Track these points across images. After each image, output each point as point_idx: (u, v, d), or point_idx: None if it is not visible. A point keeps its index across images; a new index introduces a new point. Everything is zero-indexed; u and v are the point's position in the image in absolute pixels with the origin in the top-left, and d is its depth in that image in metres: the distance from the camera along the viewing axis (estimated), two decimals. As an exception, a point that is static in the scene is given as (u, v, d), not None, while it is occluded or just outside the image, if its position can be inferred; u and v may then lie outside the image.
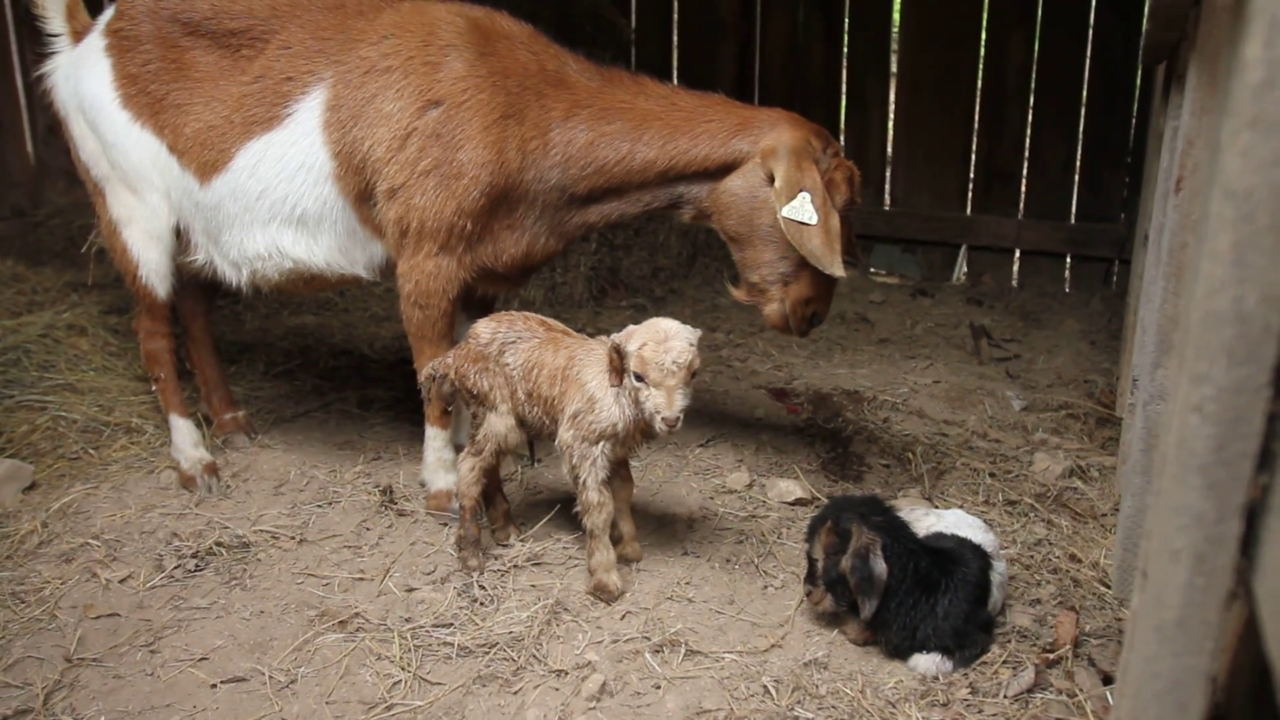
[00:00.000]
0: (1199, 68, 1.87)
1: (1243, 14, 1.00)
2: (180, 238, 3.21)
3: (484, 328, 2.68)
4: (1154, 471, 1.89)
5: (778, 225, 2.85)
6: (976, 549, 2.41)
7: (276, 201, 2.97)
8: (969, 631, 2.33)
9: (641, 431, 2.51)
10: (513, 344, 2.62)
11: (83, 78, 3.13)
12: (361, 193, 2.93)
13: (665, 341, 2.32)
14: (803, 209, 2.78)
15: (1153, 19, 2.26)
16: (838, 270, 2.81)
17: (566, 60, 2.96)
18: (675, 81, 6.77)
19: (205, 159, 3.02)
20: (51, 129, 5.61)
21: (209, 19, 3.06)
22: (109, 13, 3.16)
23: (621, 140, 2.88)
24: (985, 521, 2.69)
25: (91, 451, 3.41)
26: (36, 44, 5.33)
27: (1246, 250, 0.96)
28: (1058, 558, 2.82)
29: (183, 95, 3.05)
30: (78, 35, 3.23)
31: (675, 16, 6.55)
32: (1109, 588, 2.65)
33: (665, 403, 2.31)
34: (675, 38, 6.57)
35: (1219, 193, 0.99)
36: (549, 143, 2.87)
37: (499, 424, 2.64)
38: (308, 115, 2.92)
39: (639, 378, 2.34)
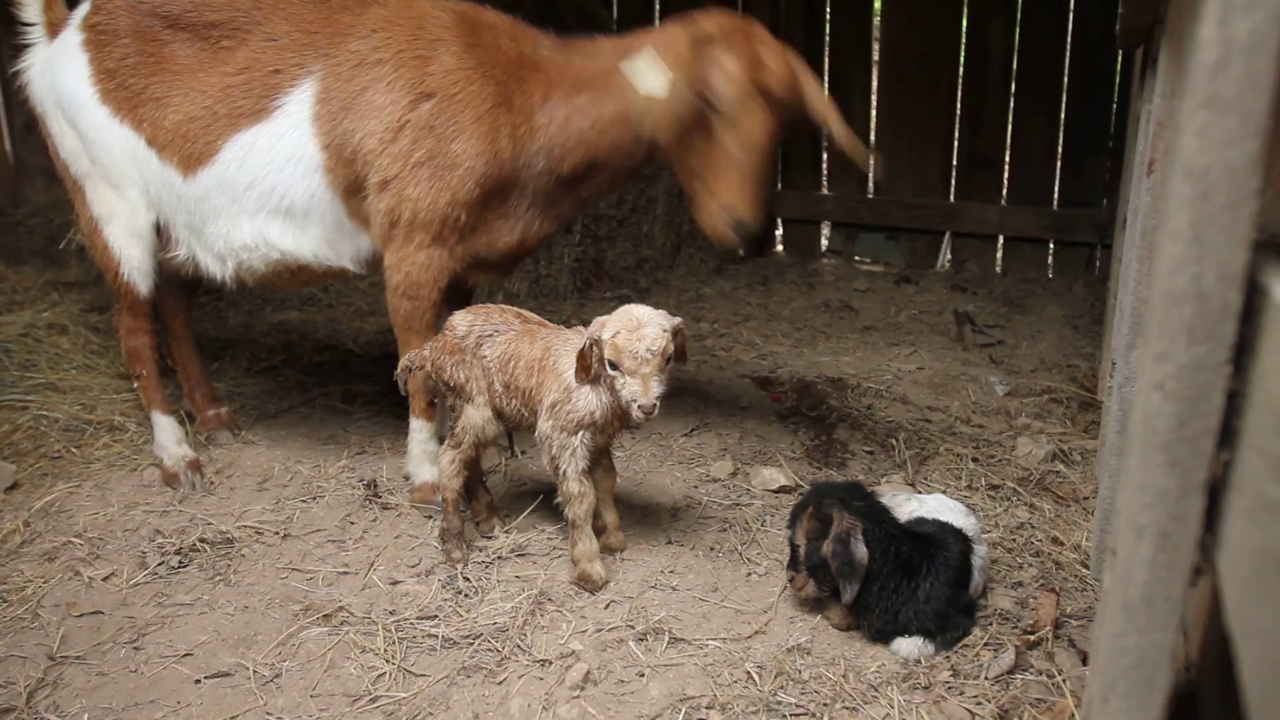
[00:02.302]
0: (1169, 51, 1.88)
1: (1199, -5, 1.01)
2: (160, 234, 3.20)
3: (460, 320, 2.68)
4: (1123, 450, 1.91)
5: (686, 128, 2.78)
6: (958, 533, 2.43)
7: (265, 193, 2.97)
8: (950, 615, 2.35)
9: (619, 419, 2.51)
10: (490, 336, 2.62)
11: (60, 74, 3.11)
12: (351, 185, 2.92)
13: (639, 329, 2.32)
14: (644, 69, 2.68)
15: (1125, 3, 2.27)
16: (664, 134, 2.75)
17: (540, 42, 2.95)
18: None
19: (188, 151, 3.01)
20: (29, 127, 5.57)
21: (189, 12, 3.05)
22: (85, 7, 3.14)
23: (591, 106, 2.85)
24: (968, 506, 2.71)
25: (74, 450, 3.39)
26: (12, 38, 5.31)
27: (1204, 228, 0.97)
28: (1039, 541, 2.84)
29: (162, 88, 3.04)
30: (53, 28, 3.20)
31: (657, 6, 6.54)
32: (1090, 569, 2.67)
33: (641, 390, 2.31)
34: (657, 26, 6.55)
35: (1178, 172, 1.00)
36: (535, 126, 2.87)
37: (476, 416, 2.65)
38: (297, 108, 2.92)
39: (614, 366, 2.34)
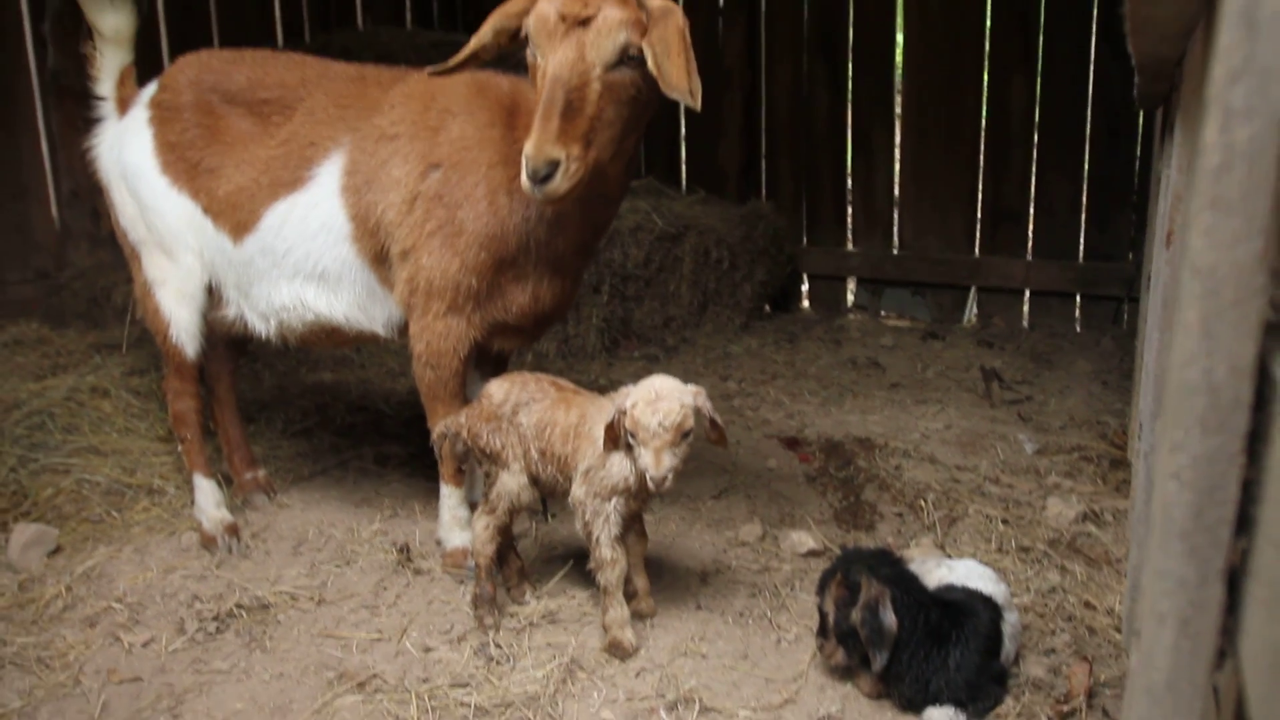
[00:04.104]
0: (1183, 124, 1.92)
1: (1202, 99, 1.05)
2: (212, 294, 3.33)
3: (497, 388, 2.74)
4: (1146, 532, 1.91)
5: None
6: (987, 600, 2.43)
7: (300, 259, 3.09)
8: (982, 683, 2.34)
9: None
10: (526, 404, 2.67)
11: (126, 147, 3.28)
12: (378, 254, 3.02)
13: (655, 402, 2.37)
14: None
15: (1141, 73, 2.32)
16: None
17: (526, 86, 2.94)
18: (683, 130, 6.90)
19: (238, 219, 3.15)
20: (75, 193, 5.76)
21: (245, 89, 3.19)
22: (152, 86, 3.31)
23: None
24: (998, 570, 2.70)
25: (114, 514, 3.46)
26: (61, 112, 5.51)
27: (1213, 324, 1.01)
28: (1072, 605, 2.82)
29: (217, 160, 3.19)
30: (123, 104, 3.36)
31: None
32: (1123, 634, 2.64)
33: (653, 462, 2.36)
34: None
35: (1186, 268, 1.04)
36: None
37: (512, 482, 2.69)
38: (328, 178, 3.04)
39: (632, 436, 2.40)
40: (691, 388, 2.47)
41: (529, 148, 2.47)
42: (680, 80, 2.54)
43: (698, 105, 2.55)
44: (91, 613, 2.88)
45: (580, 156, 2.52)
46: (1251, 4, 0.88)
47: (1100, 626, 2.70)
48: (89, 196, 5.41)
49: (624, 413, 2.42)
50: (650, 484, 2.39)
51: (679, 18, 2.56)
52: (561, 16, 2.48)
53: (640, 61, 2.54)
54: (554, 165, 2.47)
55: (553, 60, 2.48)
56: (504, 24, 2.62)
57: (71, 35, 5.17)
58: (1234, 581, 1.07)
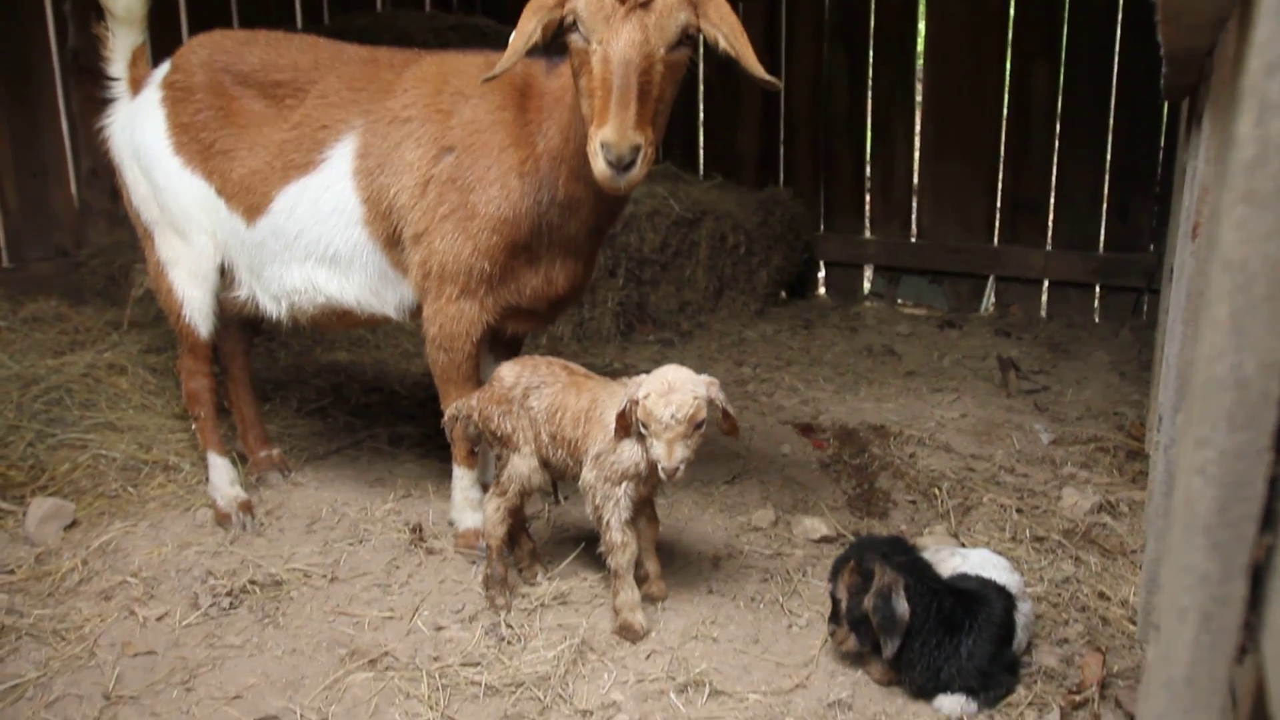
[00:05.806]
0: (1213, 116, 1.89)
1: (1236, 91, 1.03)
2: (225, 275, 3.34)
3: (508, 371, 2.74)
4: (1168, 514, 1.90)
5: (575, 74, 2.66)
6: (1000, 589, 2.42)
7: (312, 241, 3.08)
8: (994, 672, 2.33)
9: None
10: (537, 388, 2.67)
11: (138, 128, 3.27)
12: (390, 237, 3.01)
13: (668, 394, 2.36)
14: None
15: (1169, 63, 2.29)
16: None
17: (539, 67, 2.92)
18: (702, 115, 6.86)
19: (251, 201, 3.14)
20: (95, 171, 5.78)
21: (257, 70, 3.18)
22: (165, 67, 3.29)
23: (560, 116, 2.80)
24: (1012, 559, 2.69)
25: (130, 489, 3.49)
26: (81, 91, 5.52)
27: (1244, 319, 0.99)
28: (1086, 595, 2.81)
29: (230, 141, 3.17)
30: (136, 85, 3.36)
31: (701, 51, 6.63)
32: (1137, 626, 2.63)
33: (665, 454, 2.36)
34: (701, 71, 6.64)
35: (1217, 263, 1.02)
36: (537, 155, 2.84)
37: (522, 465, 2.69)
38: (340, 161, 3.02)
39: (644, 426, 2.39)
40: (705, 378, 2.46)
41: (610, 134, 2.38)
42: (755, 61, 2.55)
43: (778, 85, 2.54)
44: (107, 586, 2.91)
45: (653, 140, 2.49)
46: (1292, -8, 0.86)
47: (1114, 617, 2.69)
48: (108, 175, 5.42)
49: (636, 403, 2.41)
50: (662, 475, 2.39)
51: None
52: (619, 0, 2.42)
53: (693, 41, 2.53)
54: (637, 151, 2.42)
55: (617, 44, 2.40)
56: (548, 17, 2.53)
57: (91, 15, 5.19)
58: (1257, 577, 1.06)
